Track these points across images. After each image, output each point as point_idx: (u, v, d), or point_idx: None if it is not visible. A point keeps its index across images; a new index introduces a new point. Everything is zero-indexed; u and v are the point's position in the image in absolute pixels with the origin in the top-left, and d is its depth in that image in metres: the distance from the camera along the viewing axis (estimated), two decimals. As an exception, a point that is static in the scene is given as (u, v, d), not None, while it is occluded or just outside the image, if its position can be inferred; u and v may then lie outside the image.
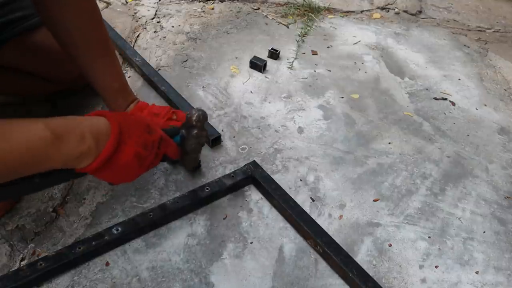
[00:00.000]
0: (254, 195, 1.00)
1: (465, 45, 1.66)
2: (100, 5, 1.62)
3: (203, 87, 1.29)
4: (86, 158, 0.66)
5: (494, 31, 1.80)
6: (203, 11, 1.65)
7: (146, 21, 1.55)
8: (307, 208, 0.98)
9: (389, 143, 1.18)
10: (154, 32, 1.50)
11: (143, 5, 1.64)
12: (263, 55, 1.42)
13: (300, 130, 1.19)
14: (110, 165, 0.69)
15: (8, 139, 0.57)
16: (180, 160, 0.91)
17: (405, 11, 1.83)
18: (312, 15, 1.69)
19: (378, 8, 1.83)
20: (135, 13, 1.59)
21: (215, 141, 1.09)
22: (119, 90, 0.99)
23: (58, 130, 0.62)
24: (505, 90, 1.46)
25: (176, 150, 0.85)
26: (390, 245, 0.94)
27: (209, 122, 1.17)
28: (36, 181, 0.67)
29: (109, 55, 0.95)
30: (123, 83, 1.00)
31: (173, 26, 1.54)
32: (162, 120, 0.98)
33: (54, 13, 0.85)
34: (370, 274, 0.84)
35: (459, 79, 1.47)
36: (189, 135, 0.86)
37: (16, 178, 0.62)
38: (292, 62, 1.43)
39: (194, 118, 0.85)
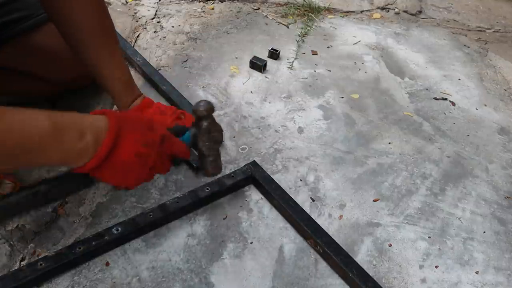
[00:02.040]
0: (254, 195, 1.00)
1: (465, 45, 1.66)
2: (100, 5, 1.62)
3: (203, 87, 1.29)
4: (84, 155, 0.64)
5: (494, 31, 1.80)
6: (203, 11, 1.65)
7: (146, 21, 1.55)
8: (307, 208, 0.98)
9: (389, 143, 1.18)
10: (154, 32, 1.51)
11: (143, 5, 1.64)
12: (263, 55, 1.42)
13: (300, 130, 1.19)
14: (109, 163, 0.67)
15: (8, 121, 0.56)
16: (200, 166, 0.87)
17: (405, 11, 1.83)
18: (312, 15, 1.69)
19: (378, 8, 1.83)
20: (135, 13, 1.59)
21: None
22: (126, 83, 0.98)
23: (59, 123, 0.62)
24: (505, 90, 1.46)
25: (183, 148, 0.80)
26: (390, 245, 0.94)
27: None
28: (41, 190, 0.67)
29: (116, 47, 0.95)
30: (129, 76, 0.99)
31: (173, 26, 1.54)
32: (169, 118, 0.97)
33: (60, 4, 0.85)
34: (370, 274, 0.84)
35: (459, 79, 1.47)
36: (200, 130, 0.82)
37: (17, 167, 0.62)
38: (292, 62, 1.43)
39: (201, 108, 0.81)
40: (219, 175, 0.93)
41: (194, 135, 0.83)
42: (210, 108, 0.82)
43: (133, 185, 0.74)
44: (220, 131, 0.86)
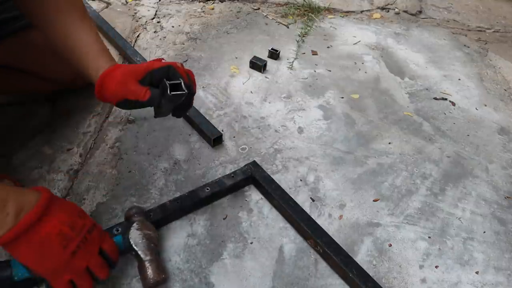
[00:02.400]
0: (254, 195, 1.00)
1: (465, 45, 1.66)
2: (100, 5, 1.62)
3: (203, 87, 1.29)
4: (2, 226, 0.62)
5: (494, 31, 1.80)
6: (203, 11, 1.65)
7: (146, 21, 1.55)
8: (307, 208, 0.98)
9: (389, 143, 1.18)
10: (154, 32, 1.51)
11: (143, 5, 1.65)
12: (263, 55, 1.42)
13: (300, 130, 1.19)
14: (27, 238, 0.64)
15: None
16: (141, 277, 0.77)
17: (405, 11, 1.83)
18: (312, 15, 1.69)
19: (378, 8, 1.83)
20: (135, 13, 1.60)
21: (216, 140, 1.09)
22: (100, 50, 0.88)
23: None
24: (505, 90, 1.46)
25: (114, 247, 0.75)
26: (390, 245, 0.94)
27: (210, 122, 1.17)
28: None
29: (87, 18, 0.88)
30: (103, 45, 0.89)
31: (173, 26, 1.54)
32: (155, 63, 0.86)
33: None
34: (370, 274, 0.84)
35: (459, 79, 1.47)
36: (132, 226, 0.79)
37: None
38: (292, 62, 1.43)
39: (131, 211, 0.81)
40: (220, 176, 0.91)
41: (125, 237, 0.78)
42: (140, 211, 0.82)
43: (49, 270, 0.67)
44: (153, 230, 0.81)
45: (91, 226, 0.71)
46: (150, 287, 0.74)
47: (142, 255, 0.75)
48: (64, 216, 0.67)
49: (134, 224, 0.79)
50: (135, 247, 0.76)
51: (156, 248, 0.78)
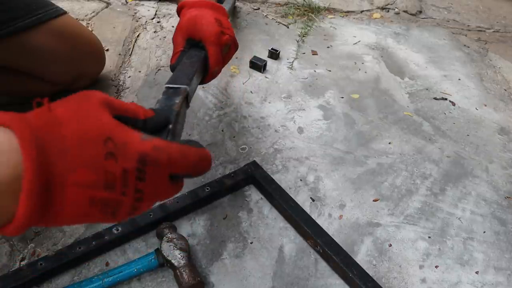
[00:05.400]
0: (254, 195, 1.00)
1: (465, 45, 1.66)
2: (100, 5, 1.62)
3: (203, 87, 1.29)
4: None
5: (494, 31, 1.81)
6: (203, 11, 1.65)
7: (146, 21, 1.55)
8: (307, 208, 0.98)
9: (389, 143, 1.18)
10: (154, 32, 1.51)
11: (143, 5, 1.64)
12: (263, 55, 1.42)
13: (300, 130, 1.19)
14: (49, 218, 0.37)
15: None
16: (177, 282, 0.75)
17: (405, 11, 1.83)
18: (312, 15, 1.69)
19: (378, 8, 1.83)
20: (135, 13, 1.59)
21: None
22: None
23: None
24: (505, 90, 1.46)
25: (196, 155, 0.45)
26: (390, 245, 0.94)
27: (210, 122, 1.17)
28: None
29: None
30: None
31: (173, 26, 1.54)
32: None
33: None
34: (370, 274, 0.84)
35: (459, 79, 1.47)
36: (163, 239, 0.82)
37: None
38: (292, 62, 1.43)
39: (161, 227, 0.85)
40: (220, 175, 0.91)
41: (158, 251, 0.81)
42: (170, 225, 0.86)
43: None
44: (184, 239, 0.84)
45: (140, 159, 0.40)
46: None
47: (175, 263, 0.79)
48: (85, 172, 0.37)
49: (164, 238, 0.83)
50: (168, 258, 0.79)
51: (188, 255, 0.81)
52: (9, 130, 0.35)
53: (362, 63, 1.47)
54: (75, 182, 0.37)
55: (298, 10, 1.71)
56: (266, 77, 1.36)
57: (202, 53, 0.78)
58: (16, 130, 0.35)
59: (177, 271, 0.79)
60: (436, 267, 0.91)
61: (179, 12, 0.85)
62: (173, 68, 0.76)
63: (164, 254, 0.80)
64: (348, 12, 1.77)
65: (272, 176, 1.01)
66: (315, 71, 1.41)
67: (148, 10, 1.61)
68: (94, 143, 0.38)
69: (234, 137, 1.14)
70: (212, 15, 0.80)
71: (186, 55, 0.78)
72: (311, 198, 1.01)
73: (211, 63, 0.78)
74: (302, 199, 1.00)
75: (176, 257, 0.80)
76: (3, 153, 0.34)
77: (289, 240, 0.92)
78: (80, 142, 0.37)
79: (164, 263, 0.81)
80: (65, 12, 1.07)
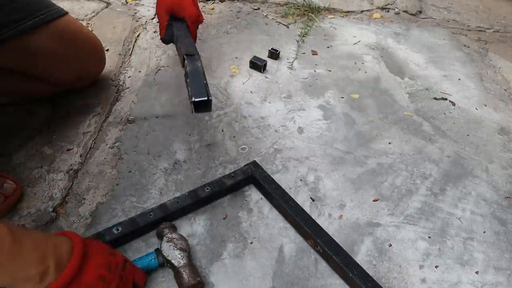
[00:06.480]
0: (254, 195, 1.00)
1: (465, 45, 1.66)
2: (100, 5, 1.63)
3: (203, 87, 1.29)
4: (44, 279, 0.63)
5: (494, 31, 1.81)
6: (203, 11, 1.65)
7: (146, 21, 1.55)
8: (307, 208, 0.98)
9: (389, 143, 1.18)
10: (154, 32, 1.51)
11: (143, 5, 1.65)
12: (263, 55, 1.42)
13: (300, 130, 1.19)
14: (72, 287, 0.65)
15: None
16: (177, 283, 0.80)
17: (405, 11, 1.83)
18: (312, 15, 1.69)
19: (378, 8, 1.83)
20: (135, 13, 1.60)
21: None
22: None
23: (19, 238, 0.62)
24: (505, 90, 1.46)
25: (143, 275, 0.79)
26: (390, 245, 0.94)
27: (210, 122, 1.17)
28: None
29: None
30: None
31: (173, 26, 1.54)
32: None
33: None
34: (370, 274, 0.84)
35: (459, 79, 1.47)
36: (162, 244, 0.82)
37: None
38: (292, 62, 1.43)
39: (161, 228, 0.86)
40: (220, 175, 0.91)
41: (158, 250, 0.83)
42: (170, 225, 0.87)
43: None
44: (184, 239, 0.85)
45: (123, 262, 0.73)
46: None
47: (175, 263, 0.79)
48: (100, 259, 0.69)
49: (164, 238, 0.83)
50: (168, 257, 0.80)
51: (188, 255, 0.82)
52: (68, 238, 0.70)
53: (362, 63, 1.47)
54: (95, 262, 0.68)
55: (298, 10, 1.71)
56: (266, 77, 1.36)
57: (184, 25, 1.04)
58: (73, 238, 0.70)
59: (177, 271, 0.79)
60: (436, 267, 0.91)
61: None
62: (164, 40, 1.06)
63: (164, 254, 0.80)
64: (348, 12, 1.77)
65: (272, 176, 1.01)
66: (315, 71, 1.41)
67: (148, 10, 1.61)
68: (106, 247, 0.75)
69: (234, 137, 1.14)
70: None
71: (174, 28, 1.03)
72: (311, 198, 1.01)
73: (193, 37, 1.07)
74: (302, 199, 1.00)
75: (176, 257, 0.80)
76: (65, 253, 0.67)
77: (289, 240, 0.92)
78: (100, 245, 0.74)
79: (164, 263, 0.81)
80: (66, 13, 1.07)
